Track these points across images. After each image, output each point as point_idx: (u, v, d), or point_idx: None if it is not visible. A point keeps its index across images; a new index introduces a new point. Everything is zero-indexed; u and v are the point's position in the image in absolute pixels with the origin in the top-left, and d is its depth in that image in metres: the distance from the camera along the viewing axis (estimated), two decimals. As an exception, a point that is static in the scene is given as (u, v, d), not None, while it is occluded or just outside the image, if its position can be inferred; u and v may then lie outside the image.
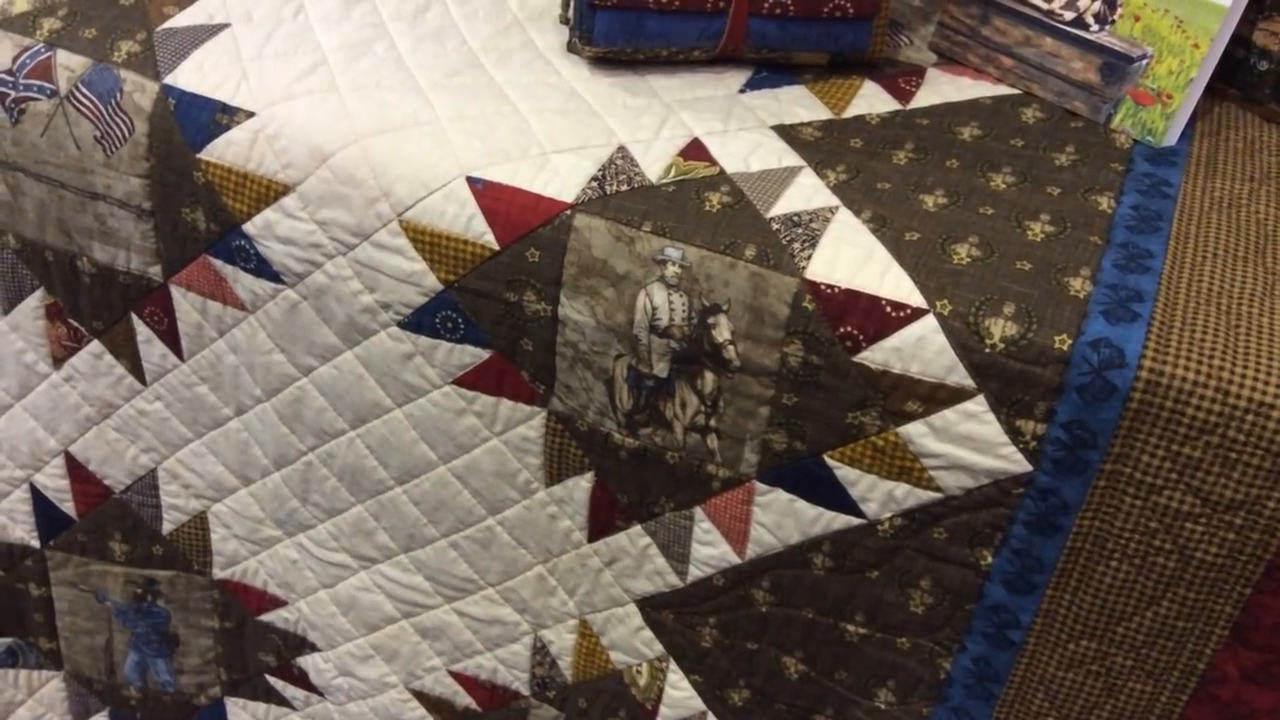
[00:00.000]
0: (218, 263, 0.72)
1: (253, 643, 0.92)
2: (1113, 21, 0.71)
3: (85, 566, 0.90)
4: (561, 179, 0.64)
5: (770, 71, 0.76)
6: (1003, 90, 0.75)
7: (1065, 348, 0.56)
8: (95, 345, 0.80)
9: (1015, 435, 0.58)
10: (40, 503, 0.88)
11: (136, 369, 0.80)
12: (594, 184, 0.64)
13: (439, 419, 0.72)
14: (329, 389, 0.74)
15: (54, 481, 0.87)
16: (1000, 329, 0.57)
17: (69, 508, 0.88)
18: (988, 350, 0.57)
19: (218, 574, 0.89)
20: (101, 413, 0.83)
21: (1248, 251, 0.62)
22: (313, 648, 0.89)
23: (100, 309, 0.78)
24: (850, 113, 0.72)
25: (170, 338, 0.77)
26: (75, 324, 0.79)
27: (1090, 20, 0.72)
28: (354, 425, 0.76)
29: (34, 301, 0.79)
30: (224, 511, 0.85)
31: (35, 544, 0.91)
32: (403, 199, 0.65)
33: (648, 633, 0.76)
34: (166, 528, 0.87)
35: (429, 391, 0.71)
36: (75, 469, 0.86)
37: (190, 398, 0.80)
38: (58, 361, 0.81)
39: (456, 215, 0.65)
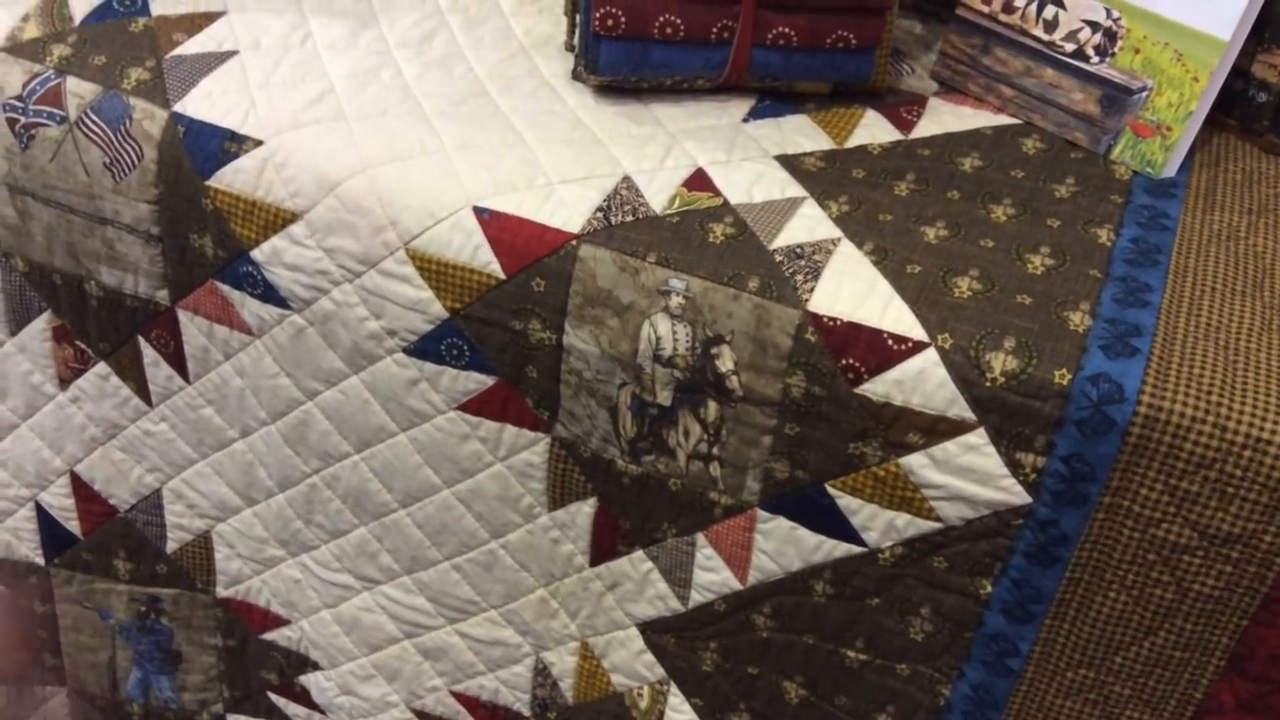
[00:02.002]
0: (225, 288, 0.73)
1: (255, 661, 0.92)
2: (1113, 54, 0.72)
3: (90, 584, 0.91)
4: (567, 209, 0.65)
5: (773, 100, 0.76)
6: (1004, 120, 0.76)
7: (1065, 382, 0.57)
8: (102, 367, 0.80)
9: (1015, 468, 0.59)
10: (45, 521, 0.89)
11: (143, 390, 0.80)
12: (599, 214, 0.65)
13: (443, 444, 0.73)
14: (334, 413, 0.75)
15: (59, 500, 0.88)
16: (1001, 363, 0.58)
17: (74, 526, 0.89)
18: (988, 384, 0.58)
19: (221, 593, 0.89)
20: (107, 433, 0.84)
21: (1246, 285, 0.62)
22: (315, 666, 0.90)
23: (107, 331, 0.78)
24: (852, 142, 0.73)
25: (176, 360, 0.78)
26: (82, 346, 0.80)
27: (1091, 52, 0.73)
28: (358, 449, 0.76)
29: (41, 323, 0.80)
30: (228, 531, 0.86)
31: (40, 561, 0.91)
32: (410, 228, 0.65)
33: (649, 656, 0.77)
34: (170, 547, 0.88)
35: (434, 417, 0.72)
36: (81, 488, 0.87)
37: (196, 419, 0.81)
38: (64, 382, 0.82)
39: (463, 244, 0.65)
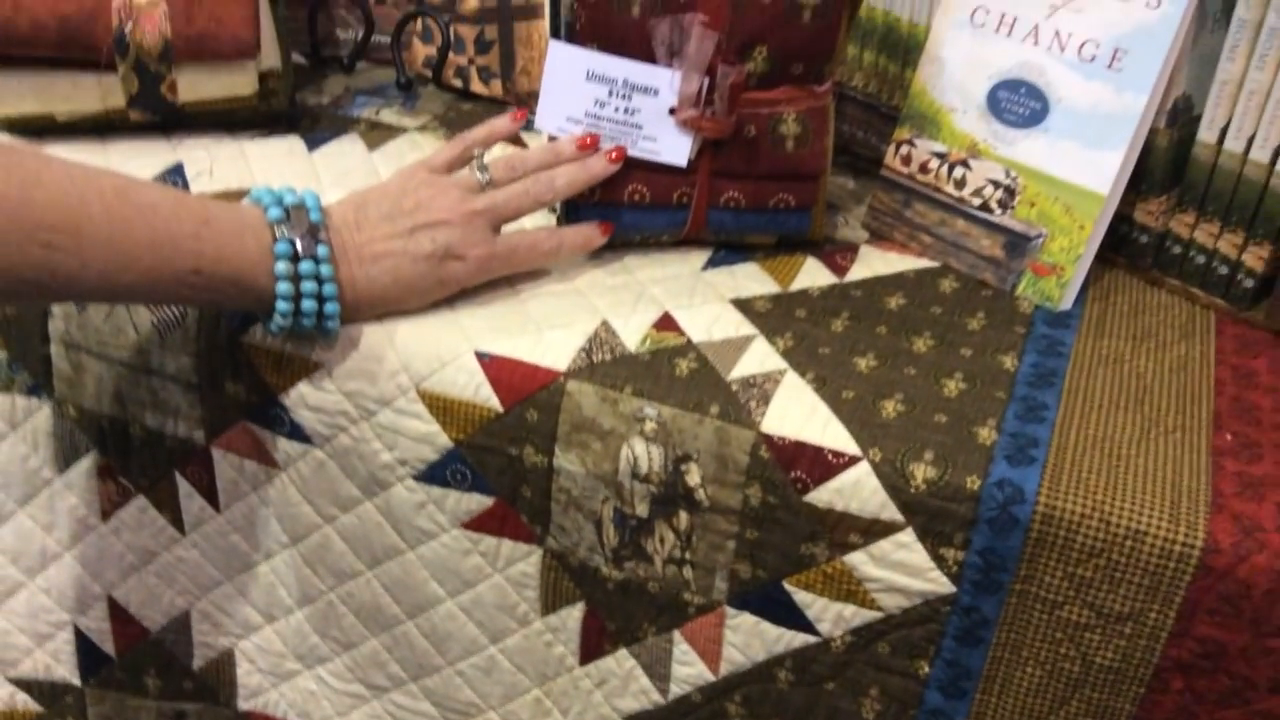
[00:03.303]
0: (255, 428, 0.83)
1: (272, 769, 0.99)
2: (1013, 207, 0.85)
3: (121, 701, 0.98)
4: (555, 351, 0.76)
5: (727, 251, 0.88)
6: (924, 263, 0.88)
7: (976, 487, 0.67)
8: (141, 500, 0.90)
9: (940, 561, 0.69)
10: (83, 643, 0.97)
11: (177, 520, 0.90)
12: (582, 354, 0.76)
13: (448, 559, 0.82)
14: (350, 535, 0.84)
15: (97, 624, 0.96)
16: (922, 472, 0.68)
17: (109, 647, 0.97)
18: (913, 490, 0.68)
19: (242, 705, 0.97)
20: (143, 560, 0.93)
21: (1128, 402, 0.74)
22: (327, 773, 0.97)
23: (147, 468, 0.88)
24: (795, 286, 0.84)
25: (209, 493, 0.88)
26: (124, 481, 0.89)
27: (994, 206, 0.86)
28: (371, 567, 0.85)
29: (87, 462, 0.89)
30: (249, 648, 0.94)
31: (76, 682, 0.99)
32: (420, 371, 0.76)
33: (635, 747, 0.85)
34: (197, 664, 0.96)
35: (439, 535, 0.81)
36: (117, 612, 0.95)
37: (224, 545, 0.90)
38: (106, 515, 0.91)
39: (466, 384, 0.76)
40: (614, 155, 0.81)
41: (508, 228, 0.81)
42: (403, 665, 0.89)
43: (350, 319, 0.76)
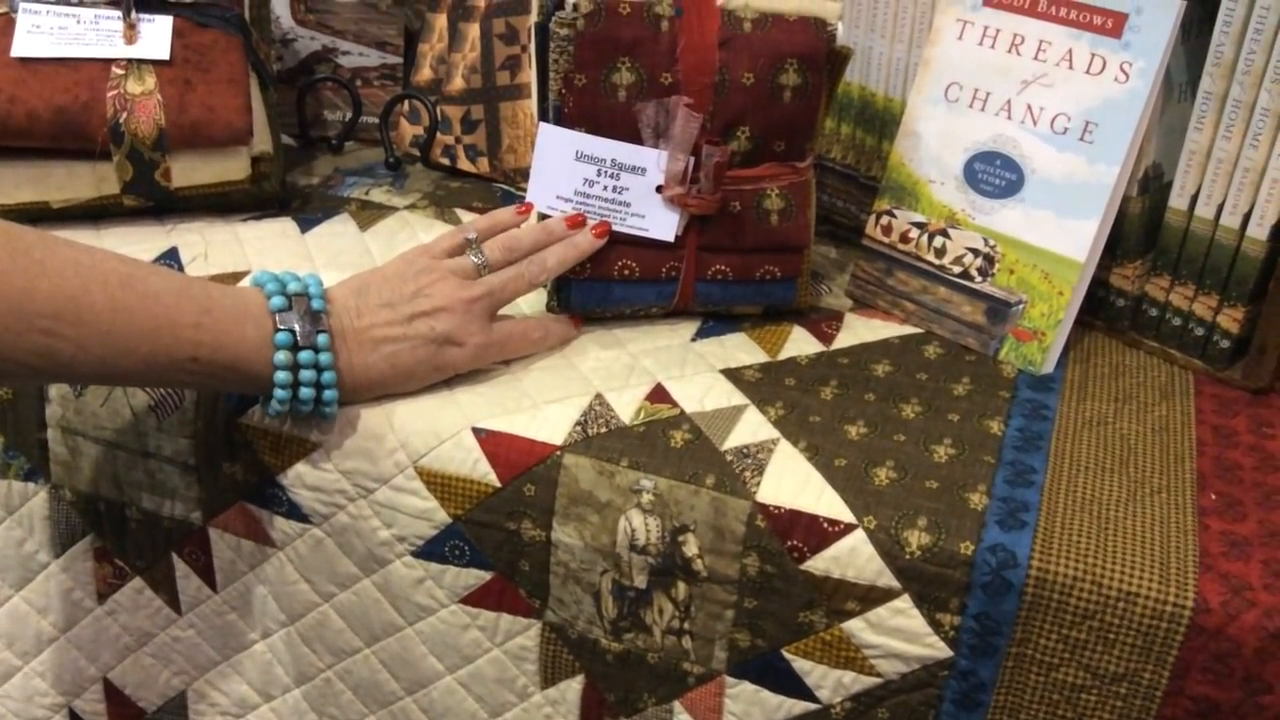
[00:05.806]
0: (253, 508, 0.83)
1: None
2: (993, 274, 0.87)
3: (116, 786, 0.98)
4: (551, 425, 0.77)
5: (716, 321, 0.90)
6: (908, 330, 0.90)
7: (969, 553, 0.69)
8: (137, 581, 0.90)
9: (936, 626, 0.70)
10: (77, 727, 0.97)
11: (173, 601, 0.90)
12: (578, 428, 0.77)
13: (446, 634, 0.83)
14: (348, 612, 0.85)
15: (91, 705, 0.95)
16: (916, 539, 0.70)
17: (103, 731, 0.96)
18: (908, 557, 0.70)
19: (238, 786, 0.97)
20: (139, 641, 0.92)
21: (1113, 464, 0.76)
22: None
23: (144, 549, 0.88)
24: (783, 355, 0.86)
25: (206, 573, 0.88)
26: (120, 563, 0.89)
27: (974, 273, 0.88)
28: (369, 643, 0.85)
29: (84, 545, 0.89)
30: (246, 727, 0.94)
31: (69, 766, 0.98)
32: (418, 448, 0.77)
33: (636, 818, 0.85)
34: (193, 745, 0.96)
35: (438, 610, 0.82)
36: (112, 693, 0.94)
37: (221, 625, 0.90)
38: (102, 597, 0.91)
39: (464, 460, 0.77)
40: (598, 230, 0.84)
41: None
42: (401, 742, 0.89)
43: (348, 402, 0.77)
